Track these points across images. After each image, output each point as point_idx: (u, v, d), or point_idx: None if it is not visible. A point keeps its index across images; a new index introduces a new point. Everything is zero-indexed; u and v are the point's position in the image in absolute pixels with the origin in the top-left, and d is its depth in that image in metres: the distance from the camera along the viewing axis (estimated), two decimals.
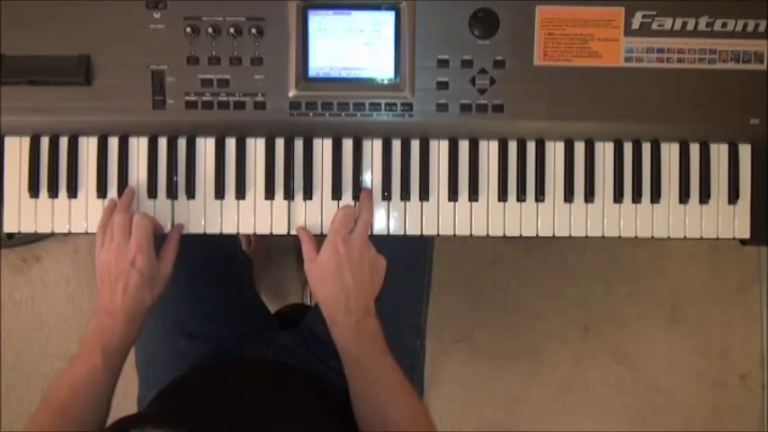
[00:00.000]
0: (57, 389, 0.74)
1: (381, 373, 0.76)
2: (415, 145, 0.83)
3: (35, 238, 1.57)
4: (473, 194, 0.83)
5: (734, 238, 0.85)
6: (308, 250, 0.78)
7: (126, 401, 1.44)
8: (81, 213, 0.83)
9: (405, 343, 0.97)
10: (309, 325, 0.98)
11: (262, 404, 0.78)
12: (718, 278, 1.67)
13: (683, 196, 0.84)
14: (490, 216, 0.84)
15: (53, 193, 0.82)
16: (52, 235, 1.54)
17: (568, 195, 0.84)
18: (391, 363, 0.77)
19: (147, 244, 0.76)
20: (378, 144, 0.83)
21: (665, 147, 0.84)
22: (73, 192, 0.82)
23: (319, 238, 0.80)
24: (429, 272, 1.00)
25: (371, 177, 0.83)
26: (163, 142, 0.83)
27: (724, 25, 0.82)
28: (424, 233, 0.84)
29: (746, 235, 0.85)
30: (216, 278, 1.00)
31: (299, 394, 0.85)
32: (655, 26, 0.82)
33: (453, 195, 0.83)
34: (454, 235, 0.84)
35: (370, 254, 0.77)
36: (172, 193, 0.83)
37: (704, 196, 0.84)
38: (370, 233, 0.80)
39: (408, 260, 0.96)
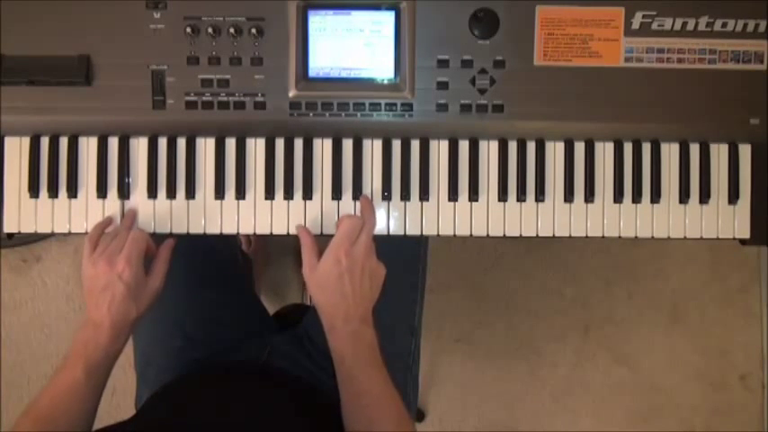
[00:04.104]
0: (40, 397, 0.74)
1: (371, 385, 0.76)
2: (415, 145, 0.83)
3: (35, 238, 1.56)
4: (473, 194, 0.83)
5: (734, 238, 0.85)
6: (309, 257, 0.77)
7: (126, 399, 1.45)
8: (81, 213, 0.83)
9: (399, 343, 0.97)
10: (307, 328, 0.97)
11: (247, 411, 0.78)
12: (718, 278, 1.67)
13: (683, 196, 0.84)
14: (490, 216, 0.84)
15: (53, 193, 0.82)
16: (52, 235, 1.54)
17: (568, 195, 0.84)
18: (383, 375, 0.77)
19: (136, 258, 0.76)
20: (378, 144, 0.83)
21: (665, 147, 0.84)
22: (73, 192, 0.82)
23: (319, 238, 0.80)
24: (423, 271, 1.00)
25: (371, 177, 0.83)
26: (163, 142, 0.83)
27: (724, 25, 0.82)
28: (424, 233, 0.84)
29: (746, 235, 0.85)
30: (215, 279, 1.00)
31: (283, 398, 0.85)
32: (655, 26, 0.81)
33: (453, 195, 0.83)
34: (454, 235, 0.84)
35: (371, 263, 0.77)
36: (172, 193, 0.83)
37: (704, 196, 0.84)
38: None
39: (403, 260, 0.96)
